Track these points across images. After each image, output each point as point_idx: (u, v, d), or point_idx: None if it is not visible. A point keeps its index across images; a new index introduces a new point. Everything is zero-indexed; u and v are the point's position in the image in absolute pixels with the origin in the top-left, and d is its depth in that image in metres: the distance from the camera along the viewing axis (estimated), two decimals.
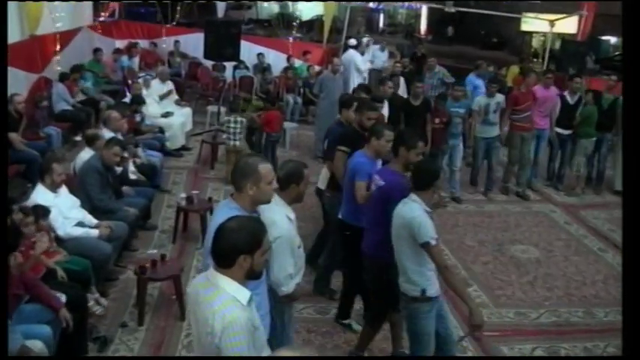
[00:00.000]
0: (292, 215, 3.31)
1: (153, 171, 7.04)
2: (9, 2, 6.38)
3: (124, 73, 11.16)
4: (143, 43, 13.12)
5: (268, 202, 2.99)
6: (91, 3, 12.22)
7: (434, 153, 7.42)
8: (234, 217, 2.46)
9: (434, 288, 3.64)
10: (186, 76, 12.81)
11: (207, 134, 9.38)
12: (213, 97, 11.15)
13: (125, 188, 5.80)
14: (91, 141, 5.62)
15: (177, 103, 9.65)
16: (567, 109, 8.03)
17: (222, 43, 9.60)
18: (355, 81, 10.42)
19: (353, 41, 11.80)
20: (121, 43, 12.89)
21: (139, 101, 7.91)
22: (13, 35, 8.39)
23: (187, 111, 9.65)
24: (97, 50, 10.69)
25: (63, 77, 8.89)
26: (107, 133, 6.17)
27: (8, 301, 3.25)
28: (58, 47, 9.72)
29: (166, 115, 8.97)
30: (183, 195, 6.16)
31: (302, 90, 11.72)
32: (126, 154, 5.86)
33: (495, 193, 8.15)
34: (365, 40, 12.67)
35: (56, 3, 9.74)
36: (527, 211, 7.71)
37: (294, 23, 14.29)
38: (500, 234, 6.91)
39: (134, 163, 6.73)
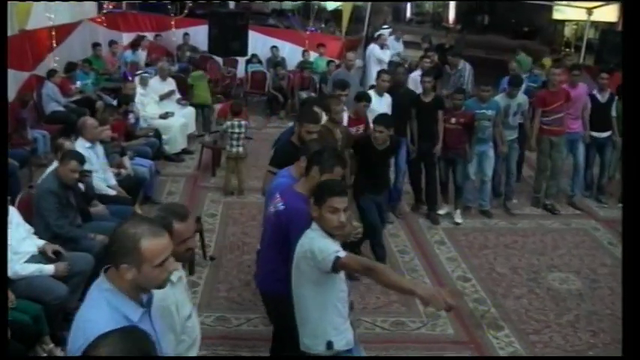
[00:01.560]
0: (176, 276, 2.43)
1: (140, 183, 6.30)
2: None
3: (127, 68, 10.45)
4: (152, 37, 12.45)
5: (159, 287, 2.10)
6: None
7: (450, 158, 6.56)
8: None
9: (344, 339, 2.89)
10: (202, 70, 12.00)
11: (209, 137, 8.61)
12: (222, 94, 10.33)
13: (98, 208, 5.05)
14: (56, 153, 4.90)
15: (179, 102, 8.91)
16: (599, 109, 7.03)
17: (228, 36, 8.82)
18: (373, 77, 9.52)
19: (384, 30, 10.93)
20: (128, 37, 12.20)
21: (126, 100, 7.12)
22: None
23: (189, 111, 8.91)
24: (96, 45, 9.97)
25: (51, 75, 8.18)
26: (83, 144, 5.45)
27: None
28: (53, 42, 9.04)
29: (165, 115, 8.23)
30: None
31: (318, 86, 10.87)
32: (87, 167, 5.11)
33: (522, 204, 7.20)
34: (385, 32, 11.68)
35: None
36: (566, 229, 6.74)
37: (311, 15, 13.29)
38: (535, 258, 5.98)
39: (118, 174, 5.99)
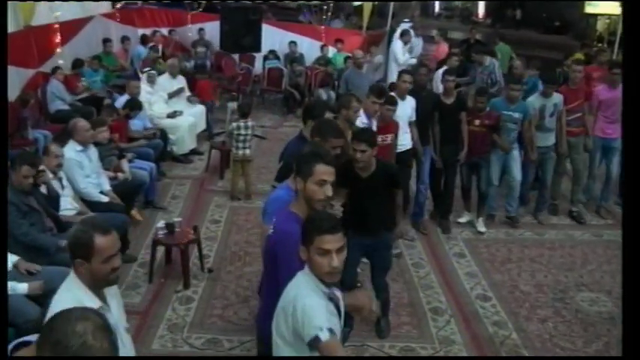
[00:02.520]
0: (94, 304, 2.15)
1: (139, 188, 5.97)
2: None
3: (139, 65, 10.15)
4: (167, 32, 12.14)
5: (108, 282, 2.30)
6: None
7: (474, 162, 6.07)
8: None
9: None
10: (212, 68, 11.68)
11: (217, 138, 8.25)
12: (237, 92, 9.95)
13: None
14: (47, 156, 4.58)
15: (189, 100, 8.57)
16: None
17: (240, 31, 8.41)
18: (394, 76, 9.03)
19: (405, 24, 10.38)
20: (143, 33, 11.88)
21: (133, 106, 6.78)
22: (10, 25, 7.48)
23: (199, 110, 8.55)
24: (106, 41, 9.67)
25: (54, 71, 7.90)
26: (74, 147, 5.12)
27: None
28: (59, 39, 8.76)
29: (173, 115, 7.88)
30: (162, 224, 5.04)
31: (337, 83, 10.42)
32: (79, 172, 4.77)
33: (560, 217, 6.65)
34: (406, 25, 11.15)
35: None
36: (597, 241, 6.18)
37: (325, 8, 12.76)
38: (563, 275, 5.45)
39: (115, 179, 5.66)
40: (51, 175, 4.70)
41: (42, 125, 7.56)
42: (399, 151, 5.56)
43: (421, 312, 4.78)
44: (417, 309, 4.82)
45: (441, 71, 7.63)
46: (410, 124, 5.78)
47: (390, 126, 5.32)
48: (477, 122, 5.94)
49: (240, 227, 6.15)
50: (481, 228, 6.22)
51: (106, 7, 11.10)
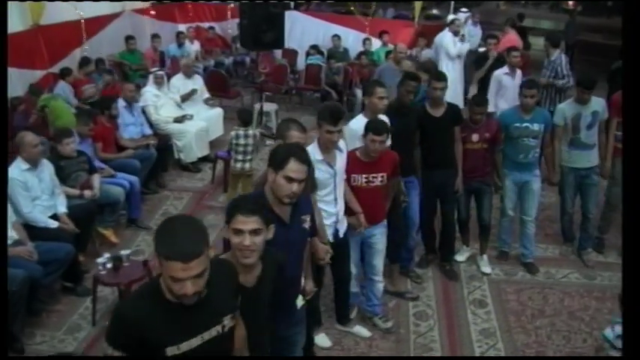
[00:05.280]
0: None
1: (112, 207, 5.31)
2: None
3: (170, 64, 9.60)
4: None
5: None
6: None
7: (473, 187, 4.82)
8: None
9: None
10: (252, 64, 10.95)
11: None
12: (260, 91, 9.12)
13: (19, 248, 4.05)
14: None
15: (207, 102, 7.88)
16: None
17: (261, 26, 7.55)
18: (444, 69, 7.83)
19: (451, 17, 9.09)
20: (185, 29, 11.35)
21: (105, 105, 6.08)
22: (14, 25, 7.11)
23: (215, 113, 7.83)
24: (129, 38, 9.14)
25: (65, 73, 7.43)
26: (20, 165, 4.50)
27: None
28: (77, 37, 8.35)
29: (181, 119, 7.19)
30: (105, 257, 4.29)
31: None
32: (26, 194, 4.18)
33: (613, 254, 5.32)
34: (463, 15, 9.85)
35: None
36: None
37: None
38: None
39: (81, 197, 5.00)
40: None
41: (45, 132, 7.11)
42: None
43: None
44: None
45: (501, 72, 6.42)
46: None
47: (380, 161, 3.88)
48: (475, 138, 4.69)
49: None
50: (486, 268, 5.03)
51: (141, 2, 10.65)
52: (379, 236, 4.05)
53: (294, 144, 2.93)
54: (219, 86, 9.09)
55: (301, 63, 10.95)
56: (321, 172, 3.54)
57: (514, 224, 5.16)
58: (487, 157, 4.79)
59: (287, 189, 2.56)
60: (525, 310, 4.57)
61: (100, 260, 4.25)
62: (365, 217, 3.84)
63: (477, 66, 7.63)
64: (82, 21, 8.51)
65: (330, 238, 3.61)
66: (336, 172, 3.61)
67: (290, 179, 2.56)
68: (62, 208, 4.73)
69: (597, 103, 4.87)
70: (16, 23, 7.22)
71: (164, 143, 6.75)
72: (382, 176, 3.89)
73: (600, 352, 3.48)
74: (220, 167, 6.84)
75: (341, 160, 3.67)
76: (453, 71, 7.99)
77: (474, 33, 9.80)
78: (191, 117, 7.33)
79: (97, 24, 8.92)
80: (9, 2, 5.59)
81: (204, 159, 7.44)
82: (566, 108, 4.92)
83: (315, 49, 10.69)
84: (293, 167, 2.55)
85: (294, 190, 2.57)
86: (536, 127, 4.70)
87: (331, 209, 3.64)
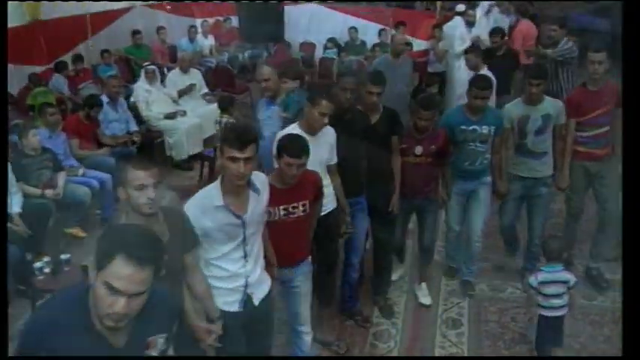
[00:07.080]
0: None
1: (77, 207, 5.11)
2: None
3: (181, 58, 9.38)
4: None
5: None
6: None
7: (414, 205, 4.13)
8: None
9: None
10: (269, 58, 10.64)
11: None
12: None
13: None
14: None
15: (204, 97, 7.64)
16: None
17: (259, 18, 7.25)
18: (453, 72, 7.24)
19: (461, 6, 8.39)
20: (204, 23, 11.12)
21: (91, 103, 5.91)
22: (11, 19, 7.05)
23: (211, 109, 7.55)
24: (136, 33, 8.99)
25: (60, 67, 7.33)
26: None
27: None
28: (81, 32, 8.25)
29: (173, 115, 6.96)
30: (43, 261, 4.01)
31: None
32: None
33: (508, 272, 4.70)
34: (486, 3, 9.11)
35: None
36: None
37: None
38: None
39: (42, 196, 4.82)
40: None
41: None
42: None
43: None
44: None
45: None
46: (330, 170, 3.56)
47: (300, 186, 3.03)
48: (419, 150, 3.92)
49: None
50: (425, 299, 4.32)
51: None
52: (302, 278, 3.21)
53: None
54: (225, 81, 8.83)
55: (318, 57, 10.57)
56: (218, 222, 2.60)
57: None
58: (431, 172, 4.05)
59: (140, 197, 2.34)
60: (505, 333, 4.03)
61: (37, 265, 4.01)
62: (284, 259, 3.05)
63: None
64: (87, 16, 8.41)
65: (237, 307, 2.75)
66: (244, 222, 2.62)
67: (141, 186, 2.32)
68: (16, 208, 4.54)
69: (551, 106, 4.14)
70: (12, 17, 7.17)
71: (149, 140, 6.53)
72: (304, 204, 3.04)
73: (530, 300, 3.72)
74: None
75: (258, 205, 2.68)
76: (461, 65, 7.28)
77: (501, 21, 9.03)
78: (184, 113, 7.10)
79: (104, 19, 8.81)
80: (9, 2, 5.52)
81: (197, 156, 7.20)
82: (512, 108, 4.21)
83: (332, 42, 10.28)
84: (135, 175, 2.33)
85: (140, 202, 2.34)
86: (485, 129, 4.02)
87: (237, 269, 2.72)
